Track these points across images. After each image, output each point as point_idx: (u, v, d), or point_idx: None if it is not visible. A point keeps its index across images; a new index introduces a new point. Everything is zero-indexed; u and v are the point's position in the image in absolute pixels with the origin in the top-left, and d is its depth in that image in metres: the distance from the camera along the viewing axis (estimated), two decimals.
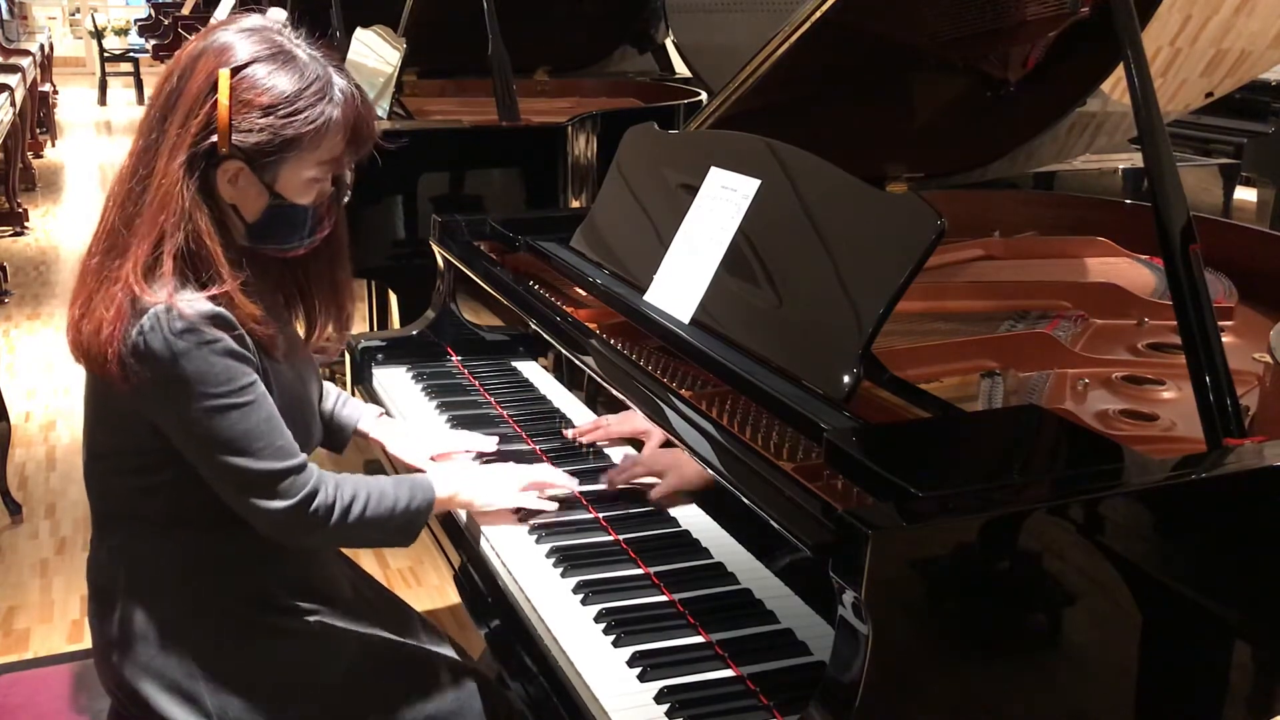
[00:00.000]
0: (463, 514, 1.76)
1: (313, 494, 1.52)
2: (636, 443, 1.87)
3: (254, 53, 1.48)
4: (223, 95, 1.45)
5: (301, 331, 1.72)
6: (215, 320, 1.46)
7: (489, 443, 1.90)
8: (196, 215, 1.47)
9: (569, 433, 1.96)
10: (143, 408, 1.49)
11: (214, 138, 1.46)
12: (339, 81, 1.53)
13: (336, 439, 1.88)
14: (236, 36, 1.50)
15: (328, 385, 1.85)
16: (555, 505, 1.70)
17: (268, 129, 1.47)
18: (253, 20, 1.54)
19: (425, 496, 1.63)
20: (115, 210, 1.52)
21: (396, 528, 1.61)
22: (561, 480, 1.73)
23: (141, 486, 1.57)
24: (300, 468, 1.52)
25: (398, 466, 1.89)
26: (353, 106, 1.53)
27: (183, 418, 1.46)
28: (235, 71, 1.47)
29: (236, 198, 1.53)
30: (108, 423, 1.58)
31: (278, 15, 1.62)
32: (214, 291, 1.47)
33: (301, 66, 1.50)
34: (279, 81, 1.48)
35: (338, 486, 1.55)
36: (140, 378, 1.44)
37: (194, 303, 1.45)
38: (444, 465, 1.82)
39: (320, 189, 1.57)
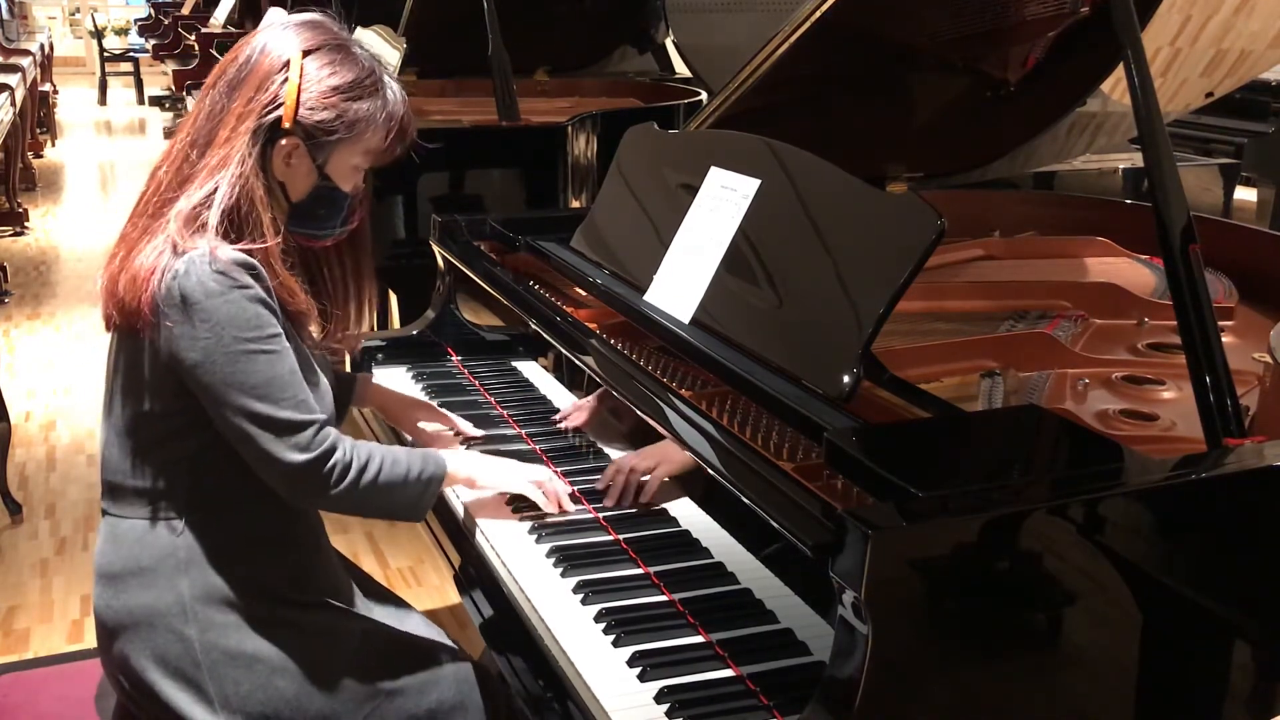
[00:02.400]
0: (460, 509, 1.77)
1: (330, 450, 1.54)
2: (636, 442, 1.87)
3: (322, 40, 1.60)
4: (294, 74, 1.56)
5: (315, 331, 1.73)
6: (249, 269, 1.51)
7: (471, 428, 1.96)
8: (253, 179, 1.55)
9: (556, 417, 2.01)
10: (170, 356, 1.51)
11: (279, 112, 1.56)
12: (389, 80, 1.64)
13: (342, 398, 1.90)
14: (301, 26, 1.61)
15: None
16: (552, 507, 1.70)
17: (331, 108, 1.57)
18: (311, 15, 1.65)
19: (437, 468, 1.65)
20: (170, 172, 1.59)
21: (408, 498, 1.63)
22: (563, 493, 1.74)
23: (163, 460, 1.58)
24: (321, 424, 1.55)
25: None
26: (401, 104, 1.65)
27: (209, 359, 1.48)
28: (305, 54, 1.57)
29: (287, 176, 1.61)
30: (134, 390, 1.59)
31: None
32: (252, 246, 1.53)
33: (360, 59, 1.62)
34: (344, 68, 1.59)
35: (354, 447, 1.58)
36: (171, 319, 1.49)
37: (230, 251, 1.51)
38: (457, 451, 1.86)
39: (357, 180, 1.66)
